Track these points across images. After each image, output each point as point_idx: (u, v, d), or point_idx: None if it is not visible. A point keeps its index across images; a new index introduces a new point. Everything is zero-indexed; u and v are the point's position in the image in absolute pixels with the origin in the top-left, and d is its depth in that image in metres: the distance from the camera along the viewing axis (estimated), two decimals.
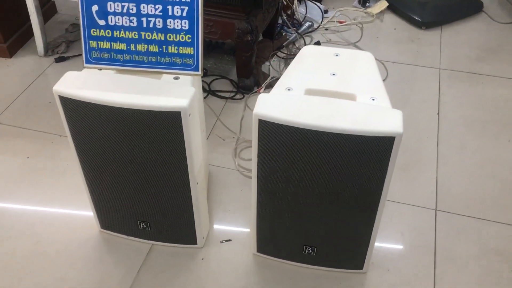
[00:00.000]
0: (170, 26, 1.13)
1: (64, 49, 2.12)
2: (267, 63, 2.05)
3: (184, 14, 1.12)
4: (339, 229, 1.22)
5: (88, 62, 1.18)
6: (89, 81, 1.13)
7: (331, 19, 2.33)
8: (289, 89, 1.15)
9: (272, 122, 1.04)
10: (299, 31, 2.19)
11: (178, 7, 1.11)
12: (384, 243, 1.42)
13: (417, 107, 1.87)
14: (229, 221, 1.48)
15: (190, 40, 1.14)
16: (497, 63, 2.10)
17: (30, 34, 2.12)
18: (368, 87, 1.15)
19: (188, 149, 1.14)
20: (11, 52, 2.10)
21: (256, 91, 1.92)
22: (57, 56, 2.09)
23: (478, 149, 1.70)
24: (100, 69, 1.19)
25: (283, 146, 1.07)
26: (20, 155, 1.67)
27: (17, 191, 1.56)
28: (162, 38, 1.14)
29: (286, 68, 2.05)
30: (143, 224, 1.35)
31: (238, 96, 1.91)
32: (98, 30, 1.15)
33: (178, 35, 1.14)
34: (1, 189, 1.56)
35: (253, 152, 1.12)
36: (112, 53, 1.17)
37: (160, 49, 1.15)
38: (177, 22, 1.13)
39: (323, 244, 1.27)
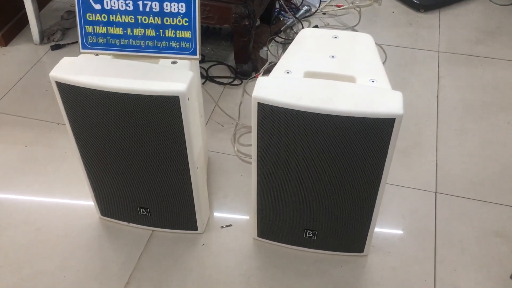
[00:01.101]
0: (167, 9, 1.12)
1: (60, 36, 2.10)
2: (264, 48, 2.03)
3: None
4: (339, 212, 1.22)
5: (84, 47, 1.17)
6: (86, 67, 1.12)
7: (328, 3, 2.31)
8: (288, 72, 1.14)
9: (271, 105, 1.03)
10: (297, 16, 2.17)
11: None
12: (385, 226, 1.42)
13: (416, 90, 1.87)
14: (229, 207, 1.47)
15: (187, 24, 1.12)
16: (497, 46, 2.08)
17: (25, 22, 2.09)
18: (367, 69, 1.14)
19: (187, 134, 1.14)
20: (6, 41, 2.07)
21: (254, 77, 1.91)
22: (53, 43, 2.07)
23: (478, 132, 1.70)
24: (97, 54, 1.17)
25: (283, 130, 1.07)
26: (18, 143, 1.66)
27: (15, 179, 1.55)
28: (159, 22, 1.13)
29: (284, 53, 2.04)
30: (143, 210, 1.34)
31: (236, 82, 1.89)
32: (93, 14, 1.14)
33: (175, 19, 1.12)
34: None
35: (252, 136, 1.11)
36: (109, 38, 1.15)
37: (157, 33, 1.14)
38: (174, 5, 1.11)
39: (323, 227, 1.27)
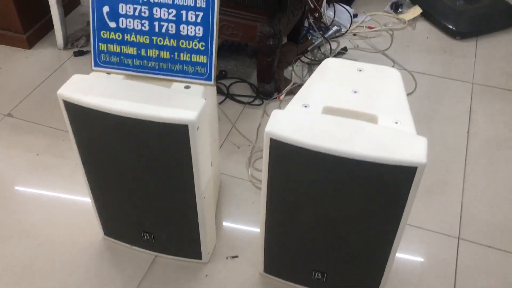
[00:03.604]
0: (183, 32, 1.07)
1: (84, 42, 2.08)
2: (289, 68, 1.97)
3: (199, 20, 1.05)
4: (351, 256, 1.14)
5: (96, 65, 1.13)
6: (96, 86, 1.07)
7: (360, 24, 2.23)
8: (306, 106, 1.07)
9: (284, 143, 0.97)
10: (326, 36, 2.10)
11: (193, 12, 1.05)
12: (401, 269, 1.33)
13: (446, 123, 1.77)
14: (237, 236, 1.41)
15: (203, 48, 1.07)
16: None
17: (50, 26, 2.08)
18: (391, 109, 1.06)
19: (195, 164, 1.08)
20: (30, 44, 2.07)
21: (276, 97, 1.85)
22: (76, 49, 2.06)
23: (509, 173, 1.59)
24: (109, 73, 1.13)
25: (295, 168, 1.00)
26: (30, 151, 1.64)
27: (23, 189, 1.53)
28: (174, 45, 1.08)
29: (309, 74, 1.97)
30: (147, 235, 1.29)
31: (257, 102, 1.83)
32: (108, 32, 1.09)
33: (191, 42, 1.07)
34: (6, 186, 1.53)
35: (263, 172, 1.05)
36: (122, 57, 1.11)
37: (172, 55, 1.09)
38: (191, 28, 1.06)
39: (333, 270, 1.20)
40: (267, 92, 1.84)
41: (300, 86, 1.87)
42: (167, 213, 1.22)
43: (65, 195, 1.51)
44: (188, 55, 1.08)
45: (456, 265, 1.34)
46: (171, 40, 1.08)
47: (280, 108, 1.79)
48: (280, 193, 1.07)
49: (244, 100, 1.84)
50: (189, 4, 1.04)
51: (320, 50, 2.07)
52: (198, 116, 1.01)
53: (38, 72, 1.96)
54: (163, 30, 1.07)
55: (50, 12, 2.00)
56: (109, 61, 1.12)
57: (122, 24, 1.08)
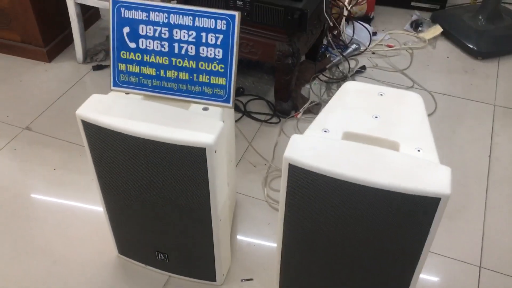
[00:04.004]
0: (203, 54, 1.06)
1: (103, 57, 2.10)
2: (307, 86, 1.95)
3: (219, 42, 1.04)
4: (371, 285, 1.11)
5: (115, 85, 1.13)
6: (114, 107, 1.07)
7: (379, 42, 2.21)
8: (325, 131, 1.05)
9: (303, 168, 0.95)
10: (344, 54, 2.08)
11: (213, 34, 1.04)
12: None
13: (466, 146, 1.73)
14: (252, 257, 1.39)
15: (222, 70, 1.06)
16: None
17: (70, 39, 2.10)
18: (413, 135, 1.04)
19: (212, 186, 1.07)
20: (50, 57, 2.09)
21: (293, 116, 1.83)
22: (95, 64, 2.07)
23: None
24: (127, 93, 1.13)
25: (314, 195, 0.98)
26: (47, 165, 1.64)
27: (38, 204, 1.53)
28: (194, 66, 1.07)
29: (327, 93, 1.95)
30: (162, 255, 1.28)
31: (274, 120, 1.82)
32: (128, 52, 1.09)
33: (210, 64, 1.06)
34: (23, 200, 1.53)
35: (280, 196, 1.03)
36: (141, 77, 1.11)
37: (191, 77, 1.08)
38: (211, 50, 1.05)
39: None
40: (284, 110, 1.83)
41: (317, 104, 1.86)
42: (182, 234, 1.20)
43: (81, 211, 1.51)
44: (207, 77, 1.08)
45: None
46: (191, 62, 1.07)
47: (297, 126, 1.78)
48: (298, 219, 1.05)
49: (261, 117, 1.83)
50: (209, 26, 1.03)
51: (339, 68, 2.05)
52: (216, 140, 1.00)
53: (57, 86, 1.97)
54: (183, 52, 1.07)
55: (70, 26, 2.02)
56: (128, 81, 1.12)
57: (142, 45, 1.08)
